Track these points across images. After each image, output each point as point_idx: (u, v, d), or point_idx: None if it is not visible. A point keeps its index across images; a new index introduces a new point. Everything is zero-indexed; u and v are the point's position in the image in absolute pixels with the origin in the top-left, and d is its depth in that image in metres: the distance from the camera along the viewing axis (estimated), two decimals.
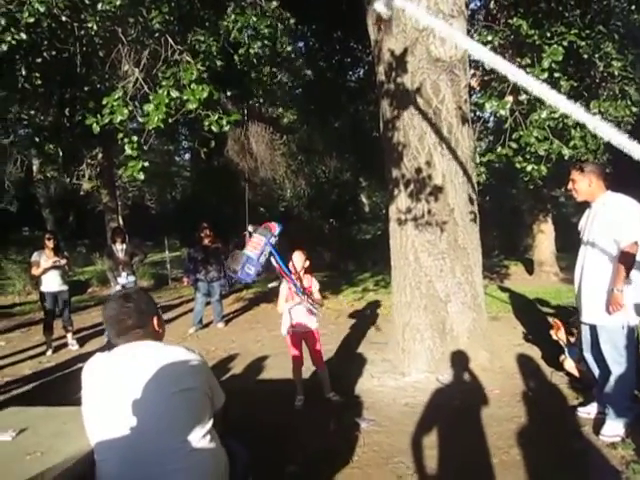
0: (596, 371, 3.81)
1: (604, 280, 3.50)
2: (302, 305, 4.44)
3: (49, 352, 7.16)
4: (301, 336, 4.60)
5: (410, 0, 4.22)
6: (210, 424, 2.08)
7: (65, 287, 7.40)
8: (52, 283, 7.24)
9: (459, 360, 5.02)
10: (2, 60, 4.97)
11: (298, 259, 4.53)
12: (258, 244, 4.13)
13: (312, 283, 4.60)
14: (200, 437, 1.99)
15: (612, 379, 3.56)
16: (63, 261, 7.25)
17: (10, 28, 4.32)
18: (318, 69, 12.25)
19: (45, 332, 7.30)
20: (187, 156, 26.71)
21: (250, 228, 4.23)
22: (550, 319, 6.95)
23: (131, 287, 7.43)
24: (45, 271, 7.12)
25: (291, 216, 20.44)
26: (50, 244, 7.12)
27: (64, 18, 4.81)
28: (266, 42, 5.81)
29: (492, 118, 7.87)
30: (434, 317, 5.16)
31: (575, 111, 1.07)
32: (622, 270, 3.36)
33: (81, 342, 7.61)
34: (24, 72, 5.55)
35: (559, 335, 4.94)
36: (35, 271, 7.12)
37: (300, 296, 4.35)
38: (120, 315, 2.11)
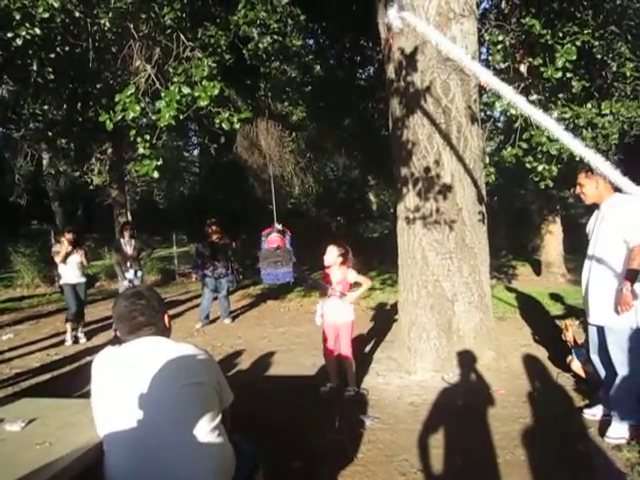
0: (602, 373, 3.80)
1: (612, 281, 3.49)
2: (333, 298, 4.61)
3: (69, 342, 7.30)
4: (331, 328, 4.71)
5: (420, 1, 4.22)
6: (218, 420, 2.09)
7: (83, 279, 7.55)
8: (72, 275, 7.39)
9: (465, 360, 5.03)
10: (15, 55, 5.01)
11: (330, 253, 4.67)
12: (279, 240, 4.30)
13: (346, 274, 4.68)
14: (208, 431, 2.00)
15: (618, 381, 3.55)
16: (81, 252, 7.44)
17: (24, 23, 4.35)
18: (328, 67, 12.25)
19: (68, 322, 7.41)
20: (196, 152, 26.80)
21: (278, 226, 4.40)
22: (557, 321, 6.96)
23: (139, 283, 7.50)
24: (65, 260, 7.27)
25: (299, 213, 20.46)
26: (70, 236, 7.30)
27: (77, 14, 4.84)
28: (275, 37, 5.83)
29: (502, 118, 7.85)
30: (440, 316, 5.16)
31: (570, 141, 1.09)
32: (633, 268, 3.34)
33: (89, 336, 7.67)
34: (36, 67, 5.60)
35: (567, 336, 4.94)
36: (58, 257, 7.27)
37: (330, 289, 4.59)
38: (132, 312, 2.12)
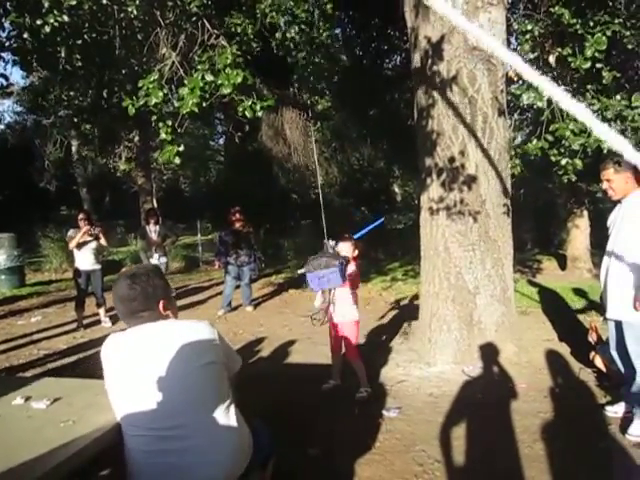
0: (623, 369, 3.74)
1: (630, 276, 3.42)
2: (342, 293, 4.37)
3: (80, 329, 7.38)
4: (335, 326, 4.47)
5: None
6: (230, 399, 2.11)
7: (98, 266, 7.54)
8: (85, 262, 7.41)
9: (486, 353, 4.99)
10: (44, 42, 5.08)
11: (346, 249, 4.39)
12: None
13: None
14: (223, 413, 2.03)
15: (638, 377, 3.49)
16: (97, 230, 7.37)
17: (53, 10, 4.40)
18: (354, 56, 12.18)
19: (76, 309, 7.53)
20: (221, 141, 26.95)
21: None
22: (581, 316, 6.86)
23: (164, 269, 7.59)
24: (80, 246, 7.30)
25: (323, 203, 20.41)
26: (83, 217, 7.31)
27: (105, 1, 4.88)
28: (302, 27, 5.80)
29: (531, 110, 7.72)
30: (462, 308, 5.13)
31: (602, 129, 1.04)
32: None
33: (114, 319, 7.79)
34: (64, 54, 5.67)
35: (593, 337, 4.86)
36: (71, 244, 7.30)
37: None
38: (127, 296, 2.09)
